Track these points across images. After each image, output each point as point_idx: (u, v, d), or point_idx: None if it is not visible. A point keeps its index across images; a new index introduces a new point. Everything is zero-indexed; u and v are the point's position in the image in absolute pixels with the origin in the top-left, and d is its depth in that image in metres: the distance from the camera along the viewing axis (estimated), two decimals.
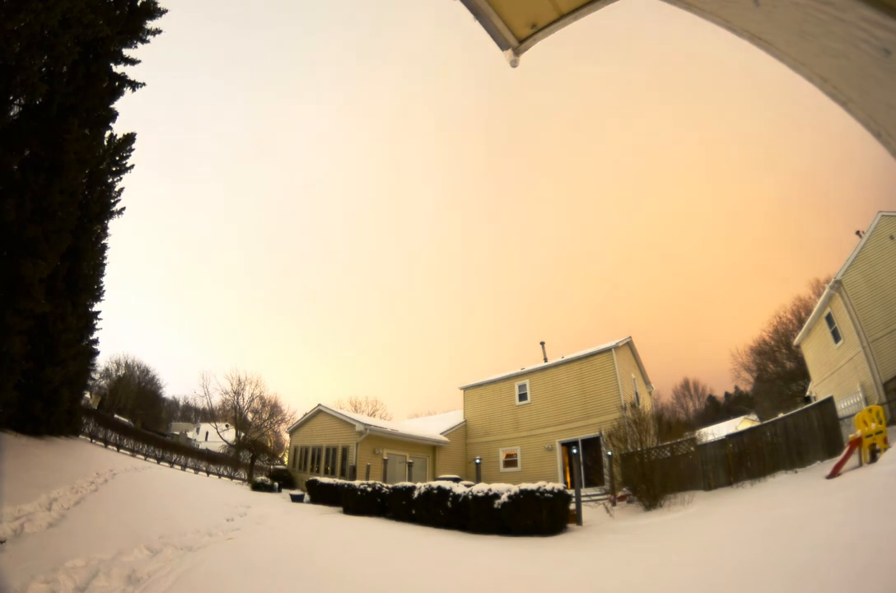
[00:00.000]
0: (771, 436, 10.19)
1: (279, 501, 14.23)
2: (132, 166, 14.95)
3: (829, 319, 15.20)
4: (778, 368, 29.35)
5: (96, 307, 14.35)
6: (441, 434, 20.22)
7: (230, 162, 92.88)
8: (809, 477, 8.26)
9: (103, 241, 14.41)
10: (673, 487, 10.02)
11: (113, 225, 18.21)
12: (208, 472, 21.01)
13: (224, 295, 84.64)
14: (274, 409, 26.02)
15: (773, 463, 9.63)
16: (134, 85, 13.73)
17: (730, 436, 11.45)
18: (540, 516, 8.24)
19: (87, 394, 27.93)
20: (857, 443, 7.75)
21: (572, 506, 9.32)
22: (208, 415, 34.36)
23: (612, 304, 73.63)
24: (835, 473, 7.56)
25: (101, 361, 40.83)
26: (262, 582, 4.68)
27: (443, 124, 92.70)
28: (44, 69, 9.95)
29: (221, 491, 15.12)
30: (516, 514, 8.33)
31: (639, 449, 11.24)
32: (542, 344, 22.15)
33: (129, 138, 14.96)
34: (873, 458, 7.43)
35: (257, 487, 17.17)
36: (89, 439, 16.79)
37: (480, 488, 9.09)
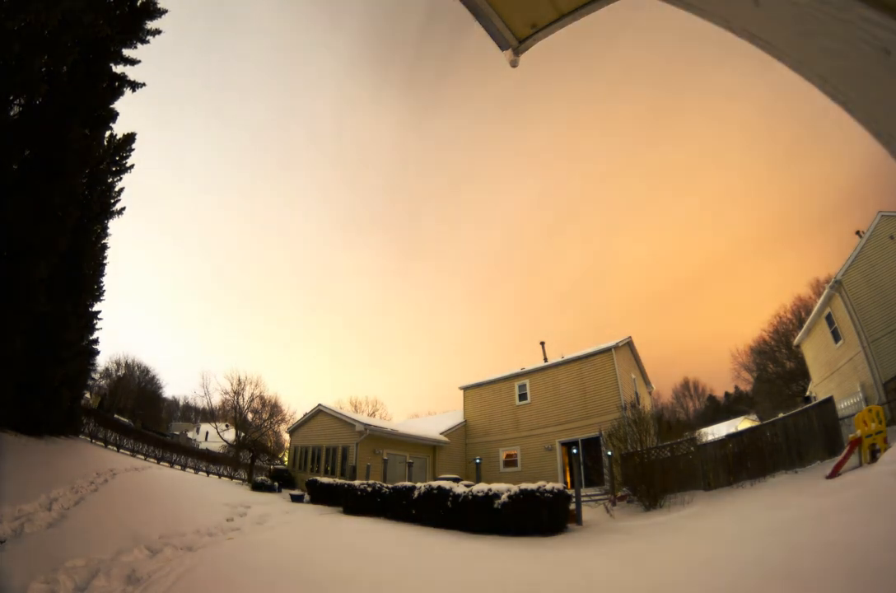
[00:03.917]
0: (771, 435, 10.19)
1: (279, 501, 14.23)
2: (132, 166, 14.98)
3: (829, 319, 15.20)
4: (778, 368, 29.35)
5: (96, 307, 14.37)
6: (441, 434, 20.22)
7: (232, 161, 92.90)
8: (809, 477, 8.26)
9: (103, 241, 14.44)
10: (673, 487, 10.02)
11: (113, 225, 18.22)
12: (208, 472, 21.01)
13: (225, 295, 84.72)
14: (274, 409, 25.99)
15: (773, 463, 9.62)
16: (134, 85, 13.74)
17: (730, 436, 11.44)
18: (540, 516, 8.24)
19: (87, 394, 27.91)
20: (856, 443, 7.74)
21: (572, 506, 9.32)
22: (208, 415, 34.32)
23: (613, 304, 73.70)
24: (835, 473, 7.56)
25: (101, 361, 40.92)
26: (262, 582, 4.68)
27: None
28: (44, 69, 9.95)
29: (221, 491, 15.12)
30: (516, 514, 8.33)
31: (639, 449, 11.23)
32: (542, 344, 22.18)
33: (129, 138, 14.98)
34: (873, 458, 7.42)
35: (257, 487, 17.17)
36: (89, 439, 16.79)
37: (480, 488, 9.08)
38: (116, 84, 13.35)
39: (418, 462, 18.88)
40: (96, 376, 37.49)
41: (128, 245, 64.06)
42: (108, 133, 13.80)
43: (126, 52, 13.61)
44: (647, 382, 21.71)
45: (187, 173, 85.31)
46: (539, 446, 18.13)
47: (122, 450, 18.42)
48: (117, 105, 13.33)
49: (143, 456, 19.16)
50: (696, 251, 70.08)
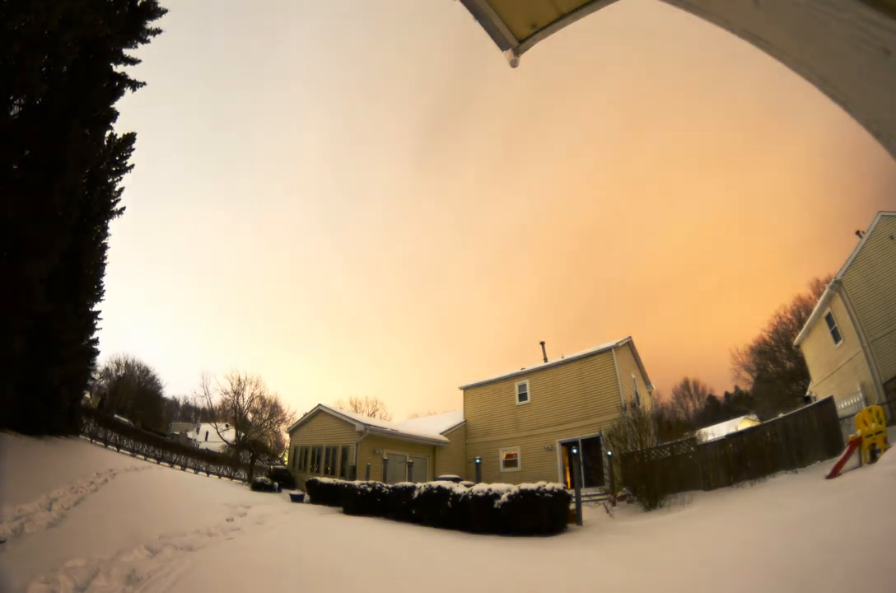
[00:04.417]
0: (771, 436, 10.18)
1: (279, 501, 14.23)
2: (132, 166, 14.98)
3: (829, 319, 15.19)
4: (778, 368, 29.33)
5: (96, 307, 14.37)
6: (441, 434, 20.21)
7: (234, 160, 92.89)
8: (809, 477, 8.26)
9: (103, 241, 14.43)
10: (673, 487, 10.01)
11: (113, 225, 18.21)
12: (208, 472, 21.00)
13: (225, 295, 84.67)
14: (274, 409, 26.00)
15: (773, 463, 9.62)
16: (134, 85, 13.74)
17: (730, 436, 11.44)
18: (540, 516, 8.24)
19: (87, 394, 27.92)
20: (856, 443, 7.74)
21: (572, 506, 9.31)
22: (208, 415, 34.34)
23: (613, 304, 73.66)
24: (835, 473, 7.56)
25: (101, 361, 40.91)
26: (262, 582, 4.68)
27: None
28: (44, 69, 9.94)
29: (221, 491, 15.12)
30: (516, 514, 8.33)
31: (639, 449, 11.23)
32: (542, 344, 22.16)
33: (129, 138, 14.97)
34: (873, 458, 7.42)
35: (257, 487, 17.17)
36: (89, 439, 16.79)
37: (480, 488, 9.08)
38: (116, 84, 13.35)
39: (418, 462, 18.87)
40: (96, 376, 37.51)
41: (128, 245, 64.12)
42: (108, 133, 13.81)
43: (126, 51, 13.62)
44: (647, 382, 21.70)
45: (187, 172, 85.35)
46: (539, 446, 18.13)
47: (122, 450, 18.41)
48: (117, 105, 13.34)
49: (143, 457, 19.16)
50: (697, 252, 70.06)
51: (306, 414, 22.09)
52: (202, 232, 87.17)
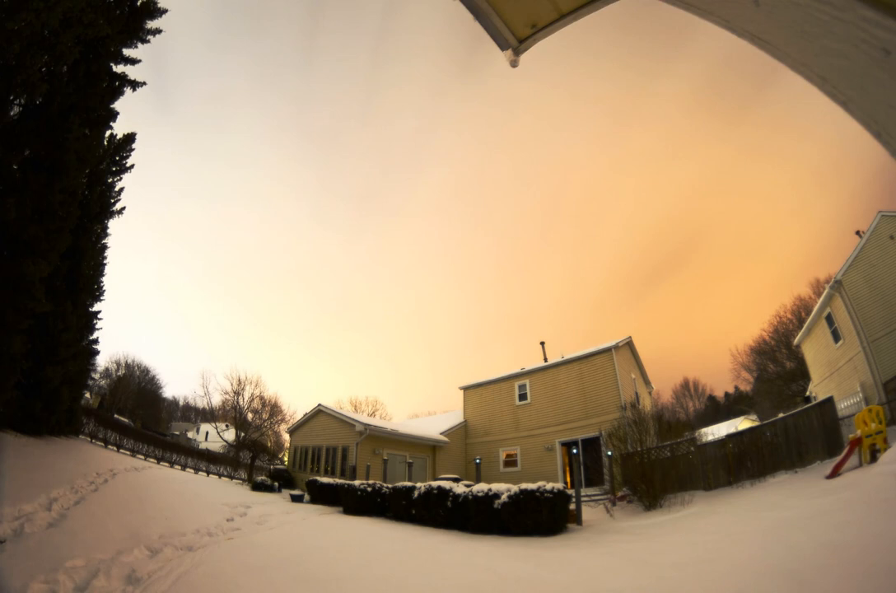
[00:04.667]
0: (771, 436, 10.18)
1: (279, 501, 14.23)
2: (132, 166, 14.98)
3: (829, 319, 15.19)
4: (778, 368, 29.31)
5: (96, 307, 14.36)
6: (441, 434, 20.21)
7: (235, 160, 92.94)
8: (809, 477, 8.26)
9: (103, 241, 14.43)
10: (673, 487, 10.01)
11: (113, 225, 18.25)
12: (208, 472, 21.00)
13: (226, 295, 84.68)
14: (274, 409, 25.97)
15: (773, 463, 9.62)
16: (134, 84, 13.74)
17: (730, 436, 11.44)
18: (540, 516, 8.24)
19: (87, 394, 27.93)
20: (857, 443, 7.74)
21: (572, 506, 9.31)
22: (208, 415, 34.32)
23: (613, 304, 73.66)
24: (835, 473, 7.56)
25: (101, 361, 40.94)
26: (262, 582, 4.68)
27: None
28: (44, 69, 9.94)
29: (221, 491, 15.12)
30: (516, 514, 8.33)
31: (639, 449, 11.22)
32: (542, 344, 22.17)
33: (130, 138, 14.98)
34: (873, 458, 7.43)
35: (257, 487, 17.17)
36: (89, 439, 16.79)
37: (480, 488, 9.08)
38: (117, 83, 13.35)
39: (418, 462, 18.88)
40: (96, 376, 37.56)
41: (129, 245, 64.12)
42: (108, 133, 13.81)
43: (126, 51, 13.62)
44: (647, 382, 21.71)
45: (188, 172, 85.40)
46: (539, 446, 18.13)
47: (122, 450, 18.41)
48: (117, 105, 13.34)
49: (143, 456, 19.16)
50: (695, 251, 70.08)
51: (306, 414, 22.09)
52: (201, 231, 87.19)
